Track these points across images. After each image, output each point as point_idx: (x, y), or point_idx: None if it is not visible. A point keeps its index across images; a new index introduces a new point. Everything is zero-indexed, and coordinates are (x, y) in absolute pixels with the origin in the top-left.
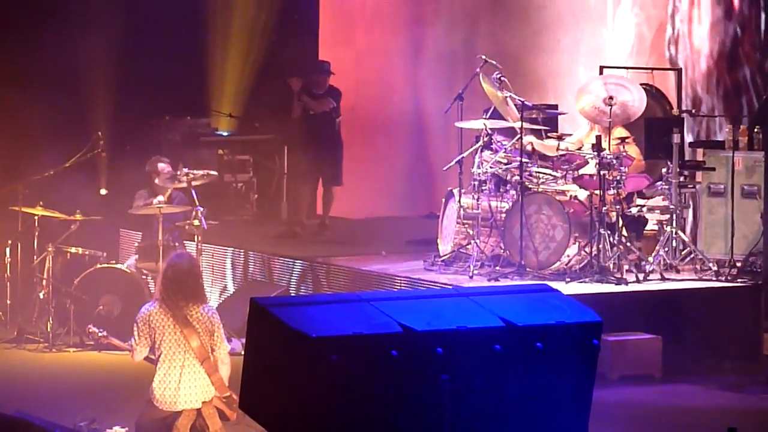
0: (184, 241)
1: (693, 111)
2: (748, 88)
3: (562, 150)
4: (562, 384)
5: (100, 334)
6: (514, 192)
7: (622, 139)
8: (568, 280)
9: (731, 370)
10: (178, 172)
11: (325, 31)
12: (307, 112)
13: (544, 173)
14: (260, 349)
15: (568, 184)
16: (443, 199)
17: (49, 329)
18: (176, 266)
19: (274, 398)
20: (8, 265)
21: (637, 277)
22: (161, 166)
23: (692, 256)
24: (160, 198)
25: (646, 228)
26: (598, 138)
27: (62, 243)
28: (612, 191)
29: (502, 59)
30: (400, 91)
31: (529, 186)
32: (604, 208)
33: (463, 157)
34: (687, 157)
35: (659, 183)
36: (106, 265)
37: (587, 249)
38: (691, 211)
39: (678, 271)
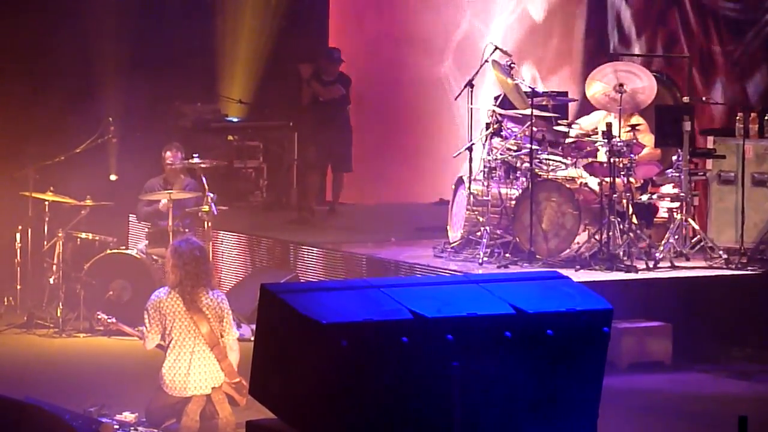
0: (195, 227)
1: (704, 99)
2: None
3: (572, 137)
4: (572, 371)
5: (109, 321)
6: (524, 179)
7: (633, 127)
8: (578, 267)
9: (741, 357)
10: (190, 160)
11: (335, 17)
12: (317, 99)
13: (554, 160)
14: (270, 335)
15: (579, 171)
16: (453, 186)
17: (59, 314)
18: (190, 250)
19: (284, 384)
20: (18, 250)
21: (647, 264)
22: (168, 154)
23: (702, 243)
24: (164, 201)
25: (656, 216)
26: (609, 125)
27: (72, 228)
28: (622, 178)
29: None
30: (411, 78)
31: (539, 173)
32: (614, 196)
33: (473, 144)
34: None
35: (669, 170)
36: (116, 251)
37: (597, 236)
38: (701, 198)
39: (688, 259)
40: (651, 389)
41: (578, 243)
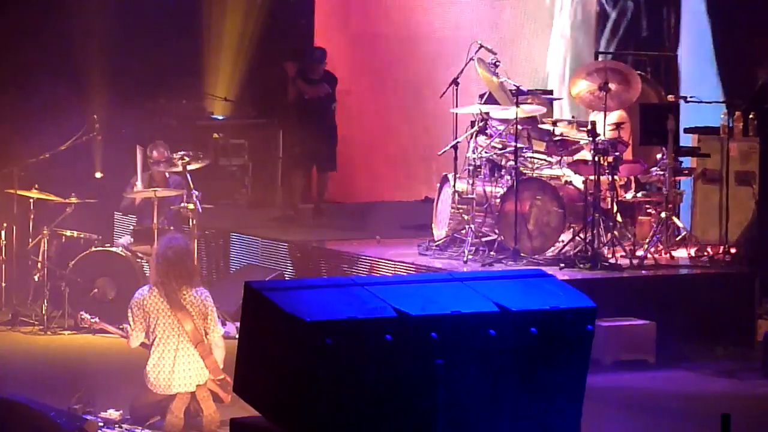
0: (181, 225)
1: (687, 97)
2: None
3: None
4: (556, 369)
5: (92, 320)
6: (508, 177)
7: (617, 125)
8: (563, 265)
9: (725, 356)
10: (175, 156)
11: (320, 14)
12: (302, 97)
13: (539, 158)
14: (255, 332)
15: (563, 169)
16: (438, 184)
17: (44, 312)
18: (174, 247)
19: (268, 381)
20: (3, 247)
21: (631, 262)
22: (155, 153)
23: (686, 242)
24: (139, 188)
25: (640, 214)
26: (593, 123)
27: (57, 226)
28: (607, 176)
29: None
30: (395, 76)
31: (524, 171)
32: (599, 194)
33: (458, 142)
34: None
35: (654, 169)
36: (101, 248)
37: (582, 234)
38: (686, 197)
39: (672, 257)
40: (635, 387)
41: (563, 241)
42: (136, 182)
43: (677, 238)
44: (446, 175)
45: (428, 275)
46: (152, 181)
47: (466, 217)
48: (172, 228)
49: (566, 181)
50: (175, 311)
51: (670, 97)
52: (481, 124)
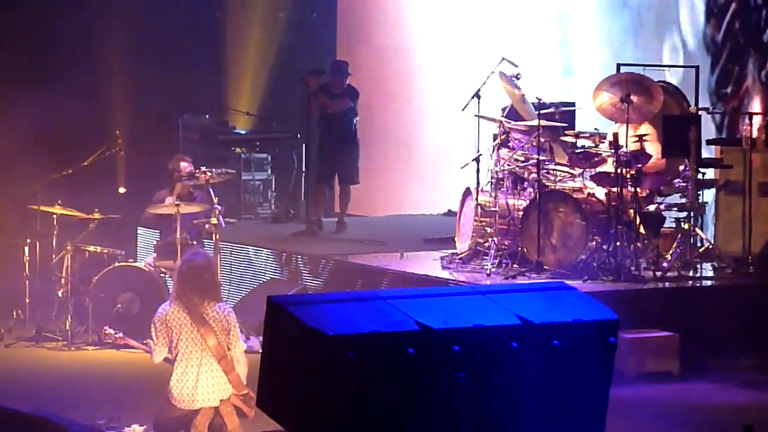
0: (203, 240)
1: (710, 108)
2: None
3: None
4: (579, 381)
5: (116, 335)
6: (531, 189)
7: (640, 137)
8: (586, 277)
9: (748, 367)
10: (197, 171)
11: (342, 28)
12: (325, 111)
13: (561, 171)
14: (277, 347)
15: (586, 181)
16: (461, 197)
17: (68, 328)
18: (191, 262)
19: (291, 396)
20: (27, 263)
21: (654, 274)
22: (183, 164)
23: (709, 253)
24: (168, 201)
25: (663, 225)
26: (615, 135)
27: (81, 242)
28: (629, 188)
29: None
30: (418, 89)
31: (547, 183)
32: (621, 206)
33: (480, 155)
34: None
35: (677, 180)
36: (124, 264)
37: (604, 246)
38: (708, 208)
39: (695, 269)
40: (658, 399)
41: (586, 253)
42: (165, 197)
43: (700, 250)
44: (469, 188)
45: (450, 288)
46: (176, 195)
47: (488, 230)
48: (195, 243)
49: (589, 194)
50: (198, 326)
51: (692, 109)
52: (503, 137)
